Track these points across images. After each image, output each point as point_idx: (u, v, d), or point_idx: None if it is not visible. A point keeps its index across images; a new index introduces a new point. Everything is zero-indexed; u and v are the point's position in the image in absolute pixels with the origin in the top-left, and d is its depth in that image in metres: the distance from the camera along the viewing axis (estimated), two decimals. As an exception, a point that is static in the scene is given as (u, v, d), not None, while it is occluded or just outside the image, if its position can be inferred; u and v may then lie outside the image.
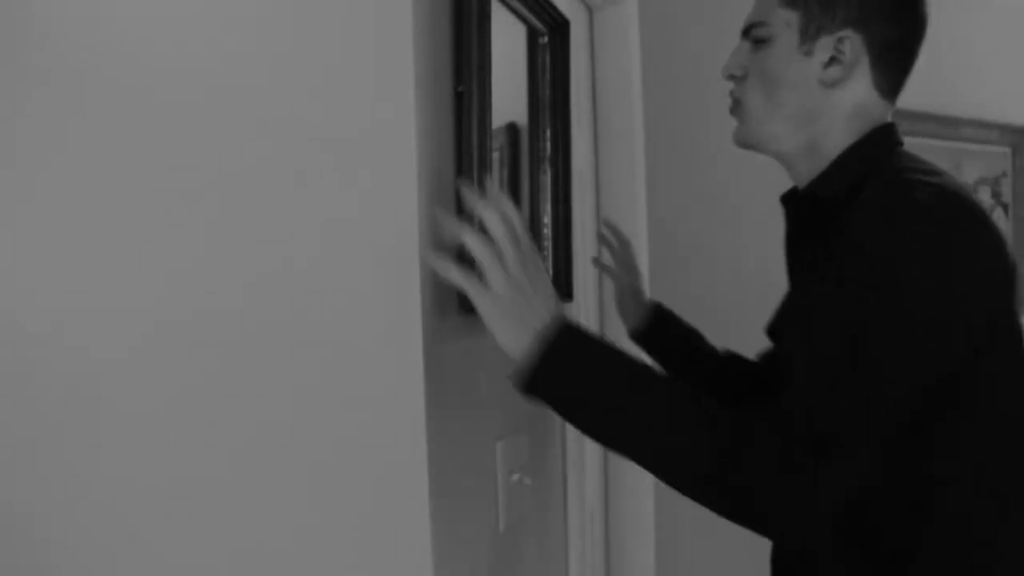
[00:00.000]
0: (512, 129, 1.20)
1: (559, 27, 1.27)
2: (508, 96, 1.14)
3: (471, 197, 0.84)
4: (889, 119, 1.00)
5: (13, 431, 0.92)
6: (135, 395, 0.90)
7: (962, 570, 0.88)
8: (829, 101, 0.97)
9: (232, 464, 0.89)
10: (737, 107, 1.04)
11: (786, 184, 1.06)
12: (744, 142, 1.04)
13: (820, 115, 0.97)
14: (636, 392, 0.82)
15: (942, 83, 2.49)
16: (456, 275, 0.82)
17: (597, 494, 1.65)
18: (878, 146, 0.96)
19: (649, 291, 1.63)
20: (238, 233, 0.89)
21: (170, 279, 0.89)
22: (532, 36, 1.24)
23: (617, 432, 0.83)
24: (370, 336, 0.87)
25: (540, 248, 1.27)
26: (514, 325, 0.82)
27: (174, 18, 0.89)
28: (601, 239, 1.38)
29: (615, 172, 1.68)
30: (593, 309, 1.62)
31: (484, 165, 0.96)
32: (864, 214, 0.85)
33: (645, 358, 1.28)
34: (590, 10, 1.66)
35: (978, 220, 0.85)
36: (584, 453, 1.53)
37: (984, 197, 2.68)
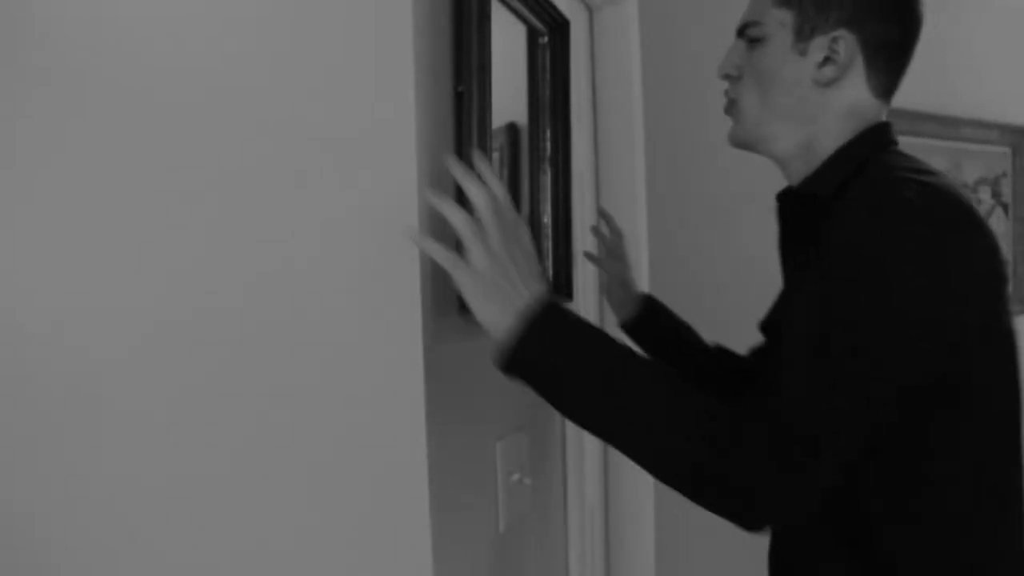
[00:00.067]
0: (512, 129, 1.20)
1: (559, 27, 1.27)
2: (508, 96, 1.14)
3: (456, 170, 0.82)
4: (884, 119, 0.99)
5: (13, 431, 0.92)
6: (135, 395, 0.90)
7: (956, 570, 0.88)
8: (824, 101, 0.97)
9: (232, 464, 0.89)
10: (732, 107, 1.04)
11: (785, 184, 1.06)
12: (739, 142, 1.04)
13: (815, 115, 0.97)
14: (619, 374, 0.80)
15: (942, 83, 2.49)
16: (435, 249, 0.81)
17: (597, 494, 1.65)
18: (871, 145, 0.96)
19: (649, 290, 1.64)
20: (238, 233, 0.89)
21: (170, 279, 0.90)
22: (532, 36, 1.24)
23: (598, 415, 0.82)
24: (370, 336, 0.87)
25: (540, 247, 1.27)
26: (495, 303, 0.80)
27: (174, 18, 0.89)
28: (594, 231, 1.38)
29: (615, 172, 1.68)
30: (593, 309, 1.62)
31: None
32: (854, 212, 0.85)
33: (635, 349, 1.28)
34: (590, 10, 1.66)
35: (972, 221, 0.86)
36: (584, 453, 1.53)
37: (984, 197, 2.68)
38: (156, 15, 0.90)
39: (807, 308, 0.82)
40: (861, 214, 0.83)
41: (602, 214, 1.38)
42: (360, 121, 0.86)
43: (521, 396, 0.85)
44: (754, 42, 0.99)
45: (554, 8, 1.23)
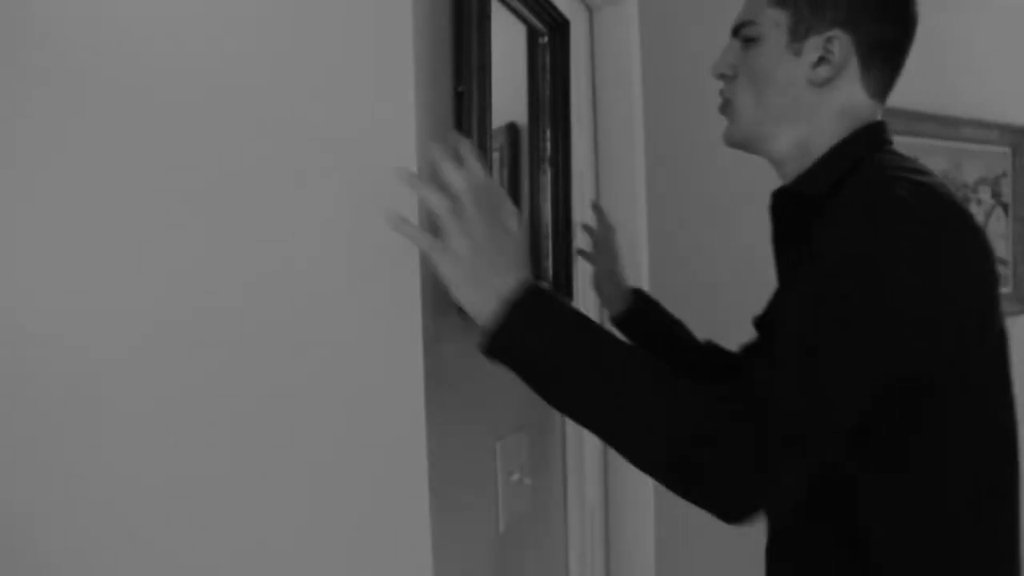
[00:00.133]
0: (512, 129, 1.20)
1: (559, 27, 1.27)
2: (508, 96, 1.14)
3: (436, 153, 0.81)
4: (879, 118, 0.99)
5: (13, 431, 0.92)
6: (135, 395, 0.90)
7: (952, 571, 0.88)
8: (818, 101, 0.97)
9: (232, 464, 0.89)
10: (727, 106, 1.04)
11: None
12: (734, 141, 1.04)
13: (809, 115, 0.97)
14: (603, 360, 0.80)
15: (942, 83, 2.49)
16: (414, 234, 0.81)
17: (597, 494, 1.65)
18: (865, 144, 0.96)
19: (649, 291, 1.64)
20: (238, 233, 0.89)
21: (170, 279, 0.90)
22: (532, 36, 1.24)
23: (581, 401, 0.81)
24: (370, 336, 0.87)
25: (539, 247, 1.28)
26: (477, 288, 0.80)
27: (174, 18, 0.89)
28: (584, 227, 1.38)
29: (615, 172, 1.68)
30: (593, 308, 1.62)
31: (484, 165, 0.96)
32: (848, 211, 0.85)
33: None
34: (590, 10, 1.66)
35: (965, 221, 0.86)
36: (584, 453, 1.53)
37: (984, 197, 2.68)
38: (156, 15, 0.90)
39: (800, 306, 0.82)
40: (855, 213, 0.83)
41: (595, 208, 1.38)
42: (360, 121, 0.86)
43: (521, 396, 0.85)
44: (749, 42, 1.00)
45: (554, 8, 1.23)
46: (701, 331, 1.34)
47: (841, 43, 0.95)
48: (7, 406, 0.92)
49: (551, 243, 1.28)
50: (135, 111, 0.90)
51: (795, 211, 1.00)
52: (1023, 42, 2.76)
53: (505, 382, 0.86)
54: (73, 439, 0.91)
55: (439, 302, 0.90)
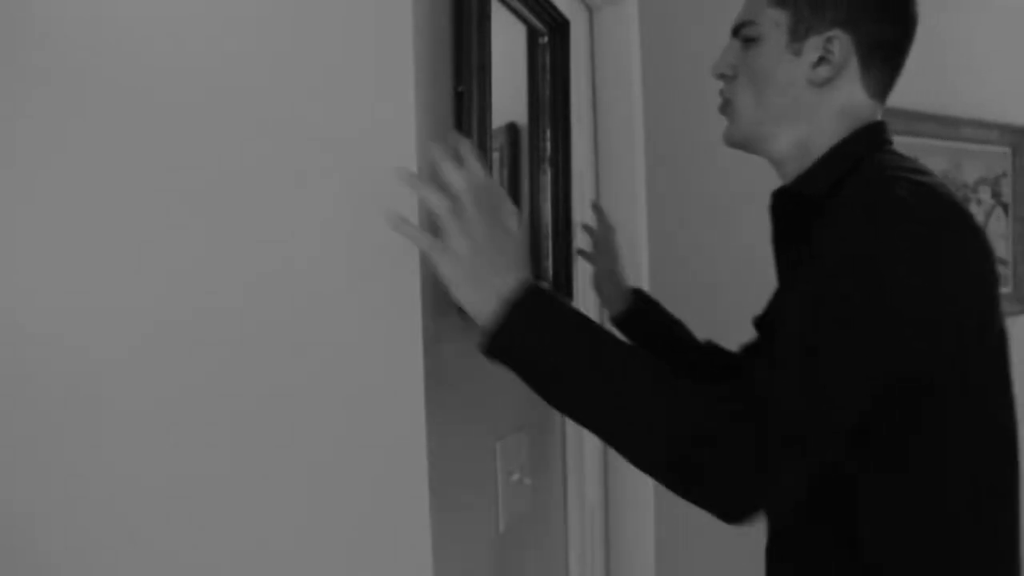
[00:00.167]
0: (512, 129, 1.20)
1: (559, 27, 1.27)
2: (508, 96, 1.14)
3: (436, 153, 0.81)
4: (879, 118, 0.99)
5: (13, 431, 0.92)
6: (135, 395, 0.90)
7: (952, 572, 0.88)
8: (818, 101, 0.97)
9: (232, 464, 0.89)
10: (727, 106, 1.04)
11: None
12: (733, 141, 1.04)
13: (809, 115, 0.97)
14: (602, 360, 0.80)
15: (942, 83, 2.49)
16: (413, 233, 0.81)
17: (597, 494, 1.65)
18: (865, 144, 0.96)
19: (649, 291, 1.64)
20: (238, 233, 0.89)
21: (170, 279, 0.90)
22: (532, 36, 1.24)
23: (580, 400, 0.81)
24: (370, 336, 0.87)
25: (539, 247, 1.28)
26: (477, 288, 0.80)
27: (174, 18, 0.89)
28: (584, 227, 1.38)
29: (615, 172, 1.68)
30: (594, 308, 1.62)
31: (484, 165, 0.96)
32: (848, 210, 0.84)
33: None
34: (590, 10, 1.66)
35: (965, 221, 0.86)
36: (584, 453, 1.53)
37: (984, 197, 2.68)
38: (156, 15, 0.90)
39: (800, 306, 0.82)
40: (855, 213, 0.83)
41: (595, 208, 1.38)
42: (360, 121, 0.86)
43: (521, 396, 0.85)
44: (749, 42, 1.00)
45: (554, 8, 1.23)
46: (701, 331, 1.34)
47: (841, 43, 0.95)
48: (7, 406, 0.92)
49: (551, 243, 1.28)
50: (135, 111, 0.90)
51: (795, 211, 1.00)
52: (1023, 42, 2.76)
53: (505, 382, 0.86)
54: (73, 439, 0.91)
55: (439, 302, 0.90)
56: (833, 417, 0.79)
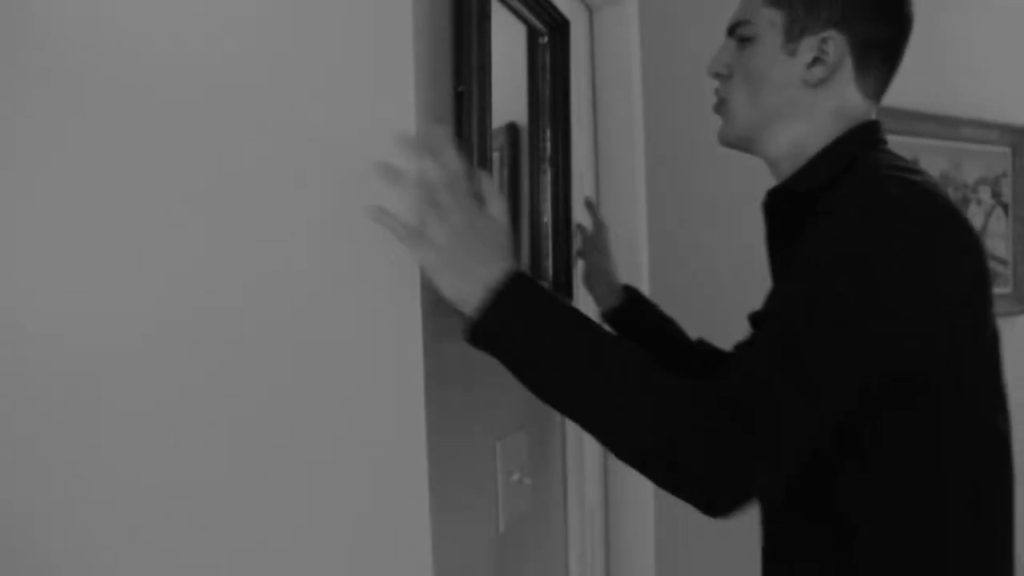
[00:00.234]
0: (512, 129, 1.20)
1: (559, 27, 1.27)
2: (508, 96, 1.14)
3: (408, 145, 0.82)
4: (873, 118, 0.99)
5: (13, 431, 0.92)
6: (135, 395, 0.90)
7: (941, 570, 0.88)
8: (813, 101, 0.97)
9: (232, 464, 0.89)
10: (722, 106, 1.04)
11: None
12: (728, 141, 1.04)
13: (803, 115, 0.97)
14: (587, 348, 0.80)
15: (942, 83, 2.49)
16: (393, 223, 0.81)
17: (597, 494, 1.65)
18: (859, 143, 0.96)
19: (649, 291, 1.64)
20: (238, 233, 0.89)
21: (170, 279, 0.90)
22: (532, 36, 1.24)
23: (564, 390, 0.82)
24: (370, 336, 0.87)
25: (540, 248, 1.27)
26: (458, 276, 0.81)
27: (174, 18, 0.89)
28: (577, 225, 1.39)
29: (615, 172, 1.68)
30: (593, 309, 1.62)
31: (484, 165, 0.96)
32: (842, 209, 0.85)
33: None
34: (590, 10, 1.66)
35: (958, 220, 0.86)
36: (584, 453, 1.53)
37: (984, 197, 2.68)
38: (156, 15, 0.90)
39: (793, 303, 0.82)
40: (850, 212, 0.83)
41: (587, 205, 1.38)
42: (360, 121, 0.86)
43: (521, 396, 0.85)
44: (744, 41, 1.00)
45: (554, 8, 1.23)
46: (701, 331, 1.34)
47: (836, 43, 0.95)
48: (7, 406, 0.92)
49: (551, 243, 1.28)
50: (135, 111, 0.90)
51: (789, 209, 1.00)
52: (1023, 42, 2.76)
53: (505, 382, 0.86)
54: (73, 439, 0.91)
55: (439, 302, 0.90)
56: (821, 414, 0.80)
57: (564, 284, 1.30)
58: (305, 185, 0.87)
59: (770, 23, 0.97)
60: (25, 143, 0.92)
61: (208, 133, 0.89)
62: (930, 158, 2.49)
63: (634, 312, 1.32)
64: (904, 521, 0.87)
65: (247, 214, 0.88)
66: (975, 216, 2.64)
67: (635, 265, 1.64)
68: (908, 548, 0.87)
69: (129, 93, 0.90)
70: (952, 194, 2.57)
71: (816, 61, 0.95)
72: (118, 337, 0.90)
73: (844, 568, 0.89)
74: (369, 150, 0.86)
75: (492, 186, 0.86)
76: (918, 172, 0.90)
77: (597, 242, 1.35)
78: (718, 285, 1.87)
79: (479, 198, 0.84)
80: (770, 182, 1.05)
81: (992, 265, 2.64)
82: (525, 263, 1.24)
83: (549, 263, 1.28)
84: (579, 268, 1.41)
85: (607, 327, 1.32)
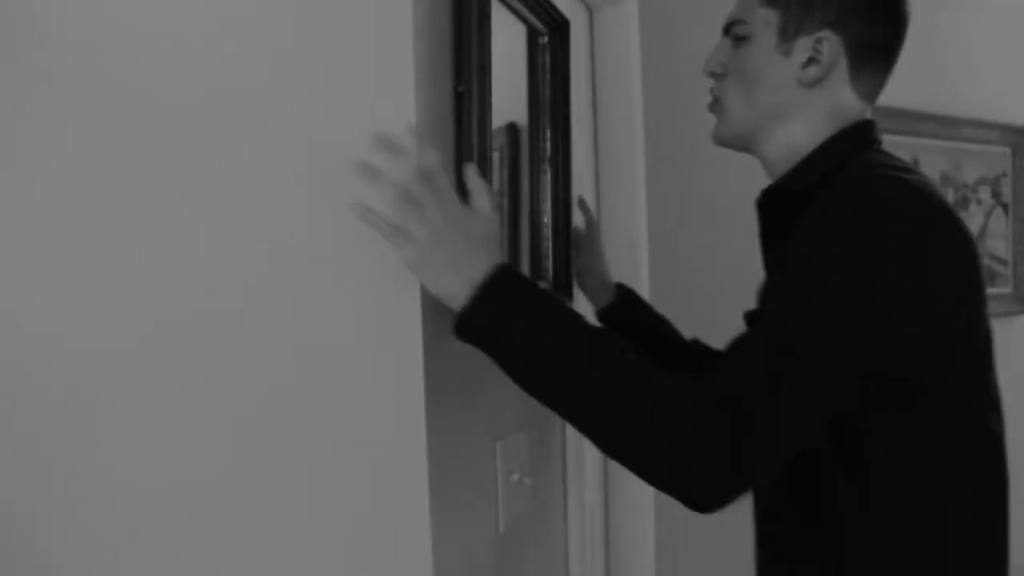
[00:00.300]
0: (512, 129, 1.20)
1: (559, 27, 1.27)
2: (508, 96, 1.14)
3: (380, 145, 0.83)
4: (868, 117, 0.99)
5: (13, 431, 0.92)
6: (135, 395, 0.90)
7: (936, 570, 0.88)
8: (807, 101, 0.97)
9: (232, 464, 0.89)
10: (716, 104, 1.04)
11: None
12: (722, 140, 1.05)
13: (798, 114, 0.97)
14: (572, 341, 0.81)
15: (942, 83, 2.49)
16: (375, 221, 0.82)
17: (597, 494, 1.65)
18: (852, 142, 0.96)
19: (649, 291, 1.64)
20: (238, 233, 0.89)
21: (170, 279, 0.90)
22: (532, 36, 1.24)
23: (549, 381, 0.82)
24: (370, 336, 0.87)
25: (540, 248, 1.27)
26: (442, 273, 0.81)
27: (174, 18, 0.89)
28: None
29: (615, 172, 1.68)
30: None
31: (484, 165, 0.96)
32: (836, 208, 0.84)
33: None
34: (590, 10, 1.66)
35: (952, 220, 0.86)
36: (584, 453, 1.53)
37: (984, 197, 2.68)
38: (156, 15, 0.90)
39: (787, 301, 0.82)
40: (845, 211, 0.83)
41: (579, 203, 1.38)
42: (360, 121, 0.86)
43: (521, 396, 0.85)
44: (739, 40, 1.00)
45: (554, 8, 1.23)
46: (701, 330, 1.34)
47: (830, 44, 0.95)
48: (7, 406, 0.92)
49: (551, 243, 1.28)
50: (135, 111, 0.90)
51: (782, 208, 1.00)
52: (1023, 42, 2.76)
53: (505, 382, 0.86)
54: (73, 439, 0.91)
55: (439, 302, 0.90)
56: (817, 413, 0.80)
57: (564, 284, 1.30)
58: (305, 185, 0.88)
59: (765, 22, 0.97)
60: (25, 143, 0.92)
61: (208, 133, 0.89)
62: (930, 158, 2.48)
63: (627, 311, 1.32)
64: (904, 521, 0.87)
65: (247, 214, 0.88)
66: (975, 216, 2.64)
67: (635, 265, 1.64)
68: (908, 548, 0.87)
69: (129, 93, 0.90)
70: (952, 194, 2.57)
71: (811, 61, 0.95)
72: (118, 337, 0.90)
73: (844, 568, 0.89)
74: (369, 150, 0.86)
75: (478, 180, 0.86)
76: (912, 171, 0.90)
77: (589, 240, 1.35)
78: (718, 285, 1.87)
79: (465, 192, 0.84)
80: (769, 182, 1.05)
81: (992, 265, 2.66)
82: (525, 263, 1.24)
83: (549, 263, 1.28)
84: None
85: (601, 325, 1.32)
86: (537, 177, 1.26)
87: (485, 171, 0.96)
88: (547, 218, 1.28)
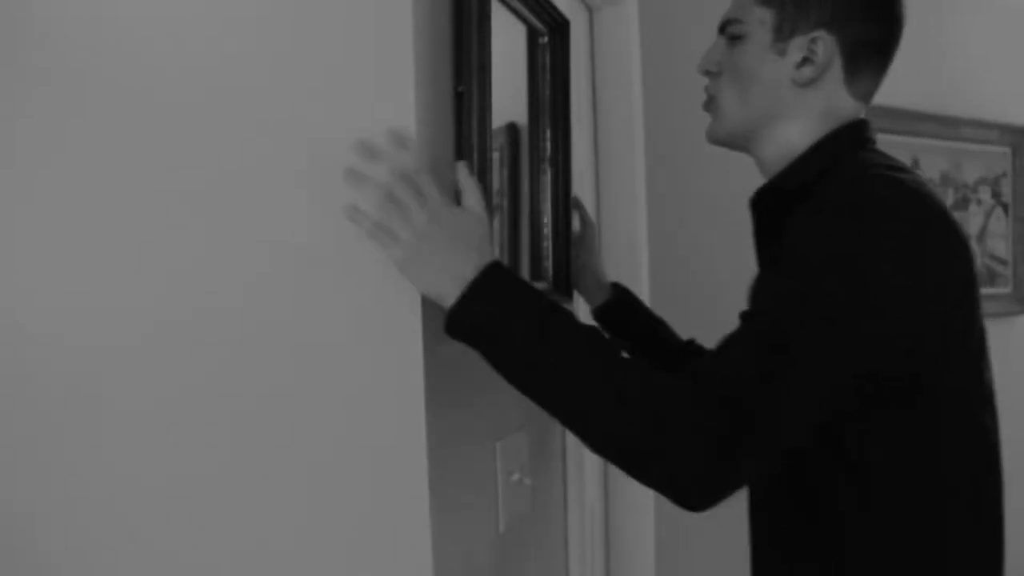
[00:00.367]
0: (512, 129, 1.20)
1: (559, 27, 1.27)
2: (508, 96, 1.14)
3: (358, 151, 0.83)
4: (862, 117, 0.99)
5: (13, 431, 0.92)
6: (135, 395, 0.90)
7: (932, 570, 0.88)
8: (801, 101, 0.97)
9: (232, 464, 0.89)
10: (711, 103, 1.04)
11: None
12: (716, 139, 1.05)
13: (792, 114, 0.97)
14: (561, 338, 0.81)
15: (942, 83, 2.49)
16: (363, 222, 0.83)
17: (597, 494, 1.65)
18: (845, 141, 0.96)
19: (649, 291, 1.64)
20: (238, 233, 0.89)
21: (170, 279, 0.90)
22: (532, 36, 1.24)
23: (537, 378, 0.82)
24: (370, 336, 0.87)
25: (540, 248, 1.28)
26: (428, 272, 0.82)
27: (174, 18, 0.89)
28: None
29: (615, 172, 1.68)
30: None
31: (484, 165, 0.96)
32: (831, 208, 0.84)
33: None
34: (590, 10, 1.66)
35: (946, 220, 0.86)
36: (584, 453, 1.53)
37: (984, 197, 2.68)
38: (156, 15, 0.90)
39: (782, 301, 0.81)
40: (840, 211, 0.83)
41: (575, 204, 1.38)
42: (360, 121, 0.86)
43: (521, 396, 0.85)
44: (734, 39, 1.00)
45: (554, 8, 1.23)
46: (701, 331, 1.34)
47: (825, 44, 0.95)
48: (7, 406, 0.92)
49: (551, 243, 1.28)
50: (135, 111, 0.90)
51: (776, 207, 0.99)
52: (1023, 42, 2.76)
53: (505, 382, 0.86)
54: (73, 439, 0.91)
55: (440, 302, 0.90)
56: (808, 412, 0.80)
57: (564, 284, 1.30)
58: (305, 185, 0.88)
59: (760, 22, 0.97)
60: (25, 143, 0.92)
61: (208, 133, 0.89)
62: (930, 158, 2.48)
63: (623, 310, 1.33)
64: (904, 521, 0.87)
65: (247, 214, 0.89)
66: (975, 216, 2.64)
67: (635, 265, 1.64)
68: (908, 548, 0.87)
69: (129, 93, 0.90)
70: (952, 194, 2.57)
71: (805, 61, 0.95)
72: (118, 337, 0.90)
73: (844, 568, 0.89)
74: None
75: (468, 179, 0.87)
76: (906, 171, 0.90)
77: (584, 239, 1.35)
78: (717, 285, 1.87)
79: (455, 190, 0.84)
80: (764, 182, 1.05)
81: (992, 265, 2.66)
82: (525, 263, 1.24)
83: (549, 263, 1.28)
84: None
85: (596, 324, 1.32)
86: (537, 177, 1.26)
87: (485, 171, 0.96)
88: (547, 218, 1.28)
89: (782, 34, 0.96)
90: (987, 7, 2.65)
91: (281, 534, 0.88)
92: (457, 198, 0.88)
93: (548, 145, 1.27)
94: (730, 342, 0.82)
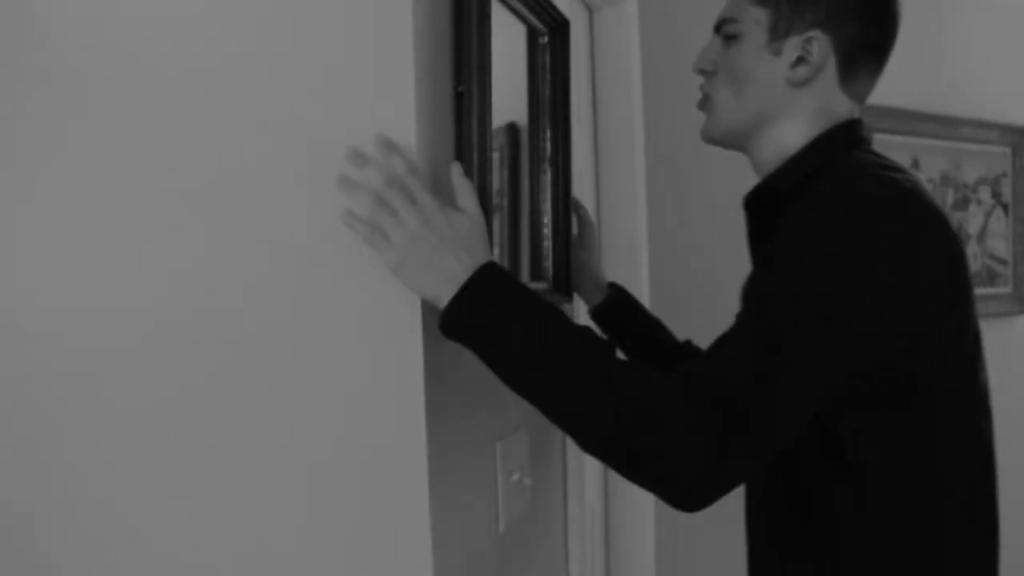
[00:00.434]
0: (512, 129, 1.20)
1: (559, 27, 1.27)
2: (508, 96, 1.14)
3: (349, 156, 0.84)
4: (857, 117, 0.99)
5: (13, 431, 0.92)
6: (135, 395, 0.90)
7: (928, 570, 0.88)
8: (796, 100, 0.97)
9: (232, 464, 0.89)
10: (706, 102, 1.04)
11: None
12: (711, 137, 1.05)
13: (786, 114, 0.97)
14: (554, 338, 0.81)
15: (942, 83, 2.49)
16: (356, 224, 0.83)
17: (597, 494, 1.66)
18: (839, 141, 0.96)
19: (649, 291, 1.64)
20: (238, 233, 0.89)
21: (170, 279, 0.90)
22: (532, 36, 1.24)
23: (531, 379, 0.82)
24: (370, 335, 0.87)
25: (540, 248, 1.28)
26: (422, 274, 0.82)
27: (174, 18, 0.89)
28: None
29: (615, 172, 1.68)
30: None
31: (484, 165, 0.96)
32: (825, 207, 0.84)
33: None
34: (590, 10, 1.67)
35: (940, 220, 0.86)
36: (584, 453, 1.53)
37: (984, 197, 2.68)
38: (156, 15, 0.90)
39: (776, 301, 0.81)
40: (834, 211, 0.83)
41: (573, 204, 1.38)
42: (360, 121, 0.86)
43: (517, 395, 0.85)
44: (730, 39, 1.00)
45: (554, 8, 1.23)
46: (700, 331, 1.34)
47: (820, 44, 0.95)
48: (7, 406, 0.92)
49: (551, 243, 1.28)
50: (135, 111, 0.90)
51: (770, 206, 0.99)
52: (1023, 42, 2.76)
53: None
54: (73, 439, 0.91)
55: (439, 302, 0.90)
56: (802, 411, 0.80)
57: (563, 284, 1.30)
58: (305, 185, 0.88)
59: (755, 21, 0.97)
60: (25, 143, 0.92)
61: (208, 133, 0.89)
62: (930, 158, 2.48)
63: (620, 309, 1.33)
64: (899, 521, 0.87)
65: (247, 214, 0.89)
66: (975, 216, 2.64)
67: (635, 265, 1.64)
68: (903, 548, 0.87)
69: (129, 93, 0.90)
70: (952, 194, 2.57)
71: (800, 61, 0.95)
72: (118, 337, 0.90)
73: (839, 568, 0.90)
74: (369, 150, 0.86)
75: (462, 180, 0.87)
76: (900, 170, 0.90)
77: (583, 239, 1.36)
78: (717, 285, 1.87)
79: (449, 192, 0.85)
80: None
81: (992, 265, 2.66)
82: (525, 263, 1.24)
83: (549, 263, 1.28)
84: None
85: (593, 324, 1.32)
86: (537, 177, 1.26)
87: (485, 171, 0.96)
88: (547, 218, 1.28)
89: (777, 34, 0.96)
90: (987, 7, 2.65)
91: (281, 534, 0.88)
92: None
93: (548, 145, 1.27)
94: (723, 342, 0.82)
